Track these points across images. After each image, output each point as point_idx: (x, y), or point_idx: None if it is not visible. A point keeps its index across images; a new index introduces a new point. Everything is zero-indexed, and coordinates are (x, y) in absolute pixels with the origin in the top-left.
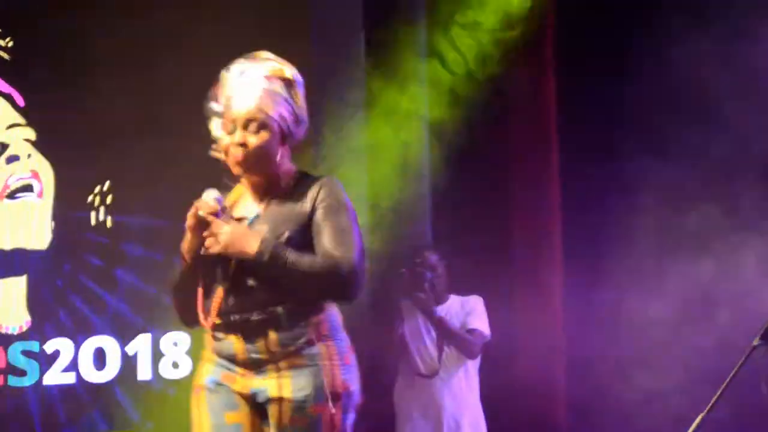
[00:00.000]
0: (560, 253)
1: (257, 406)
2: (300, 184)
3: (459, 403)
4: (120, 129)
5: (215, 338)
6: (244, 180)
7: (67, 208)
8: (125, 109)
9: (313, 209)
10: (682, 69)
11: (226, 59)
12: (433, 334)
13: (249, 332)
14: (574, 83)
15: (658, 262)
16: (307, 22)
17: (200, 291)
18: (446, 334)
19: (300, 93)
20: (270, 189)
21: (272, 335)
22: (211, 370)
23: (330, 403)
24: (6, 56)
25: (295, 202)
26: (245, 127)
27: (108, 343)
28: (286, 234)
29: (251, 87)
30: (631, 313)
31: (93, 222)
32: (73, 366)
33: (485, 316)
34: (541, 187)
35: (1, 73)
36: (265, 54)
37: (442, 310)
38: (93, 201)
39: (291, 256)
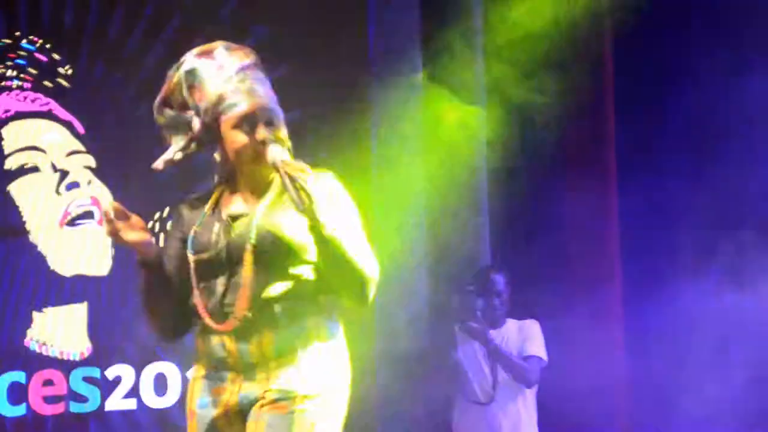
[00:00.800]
0: (619, 271)
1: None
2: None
3: (516, 430)
4: None
5: (208, 341)
6: (238, 177)
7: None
8: None
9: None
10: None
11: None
12: (489, 363)
13: (243, 331)
14: (631, 96)
15: (720, 281)
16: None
17: (196, 291)
18: (502, 363)
19: (261, 74)
20: (263, 182)
21: (267, 336)
22: (200, 389)
23: (306, 402)
24: (66, 84)
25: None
26: (267, 122)
27: (169, 368)
28: (292, 232)
29: (248, 79)
30: (695, 334)
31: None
32: (134, 392)
33: (542, 340)
34: (598, 203)
35: (62, 100)
36: (218, 43)
37: (498, 334)
38: (153, 227)
39: (344, 240)
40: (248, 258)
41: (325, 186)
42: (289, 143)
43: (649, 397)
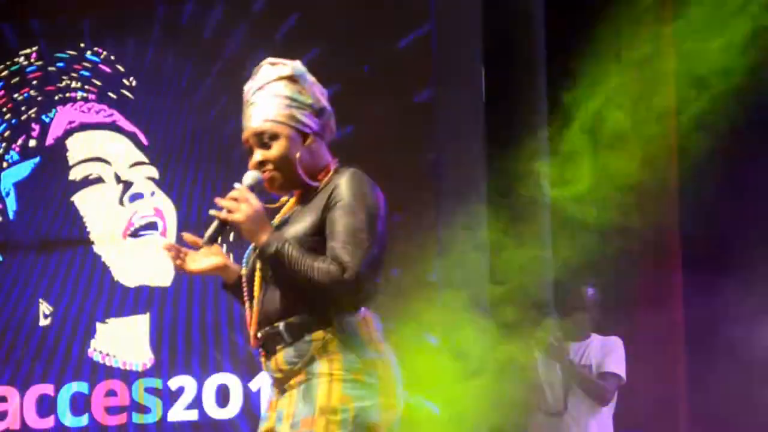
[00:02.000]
0: (681, 289)
1: None
2: (331, 180)
3: None
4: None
5: None
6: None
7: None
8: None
9: (327, 207)
10: None
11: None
12: (562, 371)
13: (266, 350)
14: None
15: None
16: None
17: (247, 310)
18: (575, 379)
19: (306, 84)
20: (307, 191)
21: (279, 353)
22: (267, 402)
23: (321, 417)
24: (130, 95)
25: (319, 199)
26: (259, 144)
27: (230, 379)
28: (301, 233)
29: (252, 103)
30: (761, 352)
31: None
32: (196, 403)
33: (623, 359)
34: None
35: (125, 112)
36: (265, 62)
37: (580, 347)
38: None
39: (294, 254)
40: (258, 276)
41: (332, 185)
42: (288, 152)
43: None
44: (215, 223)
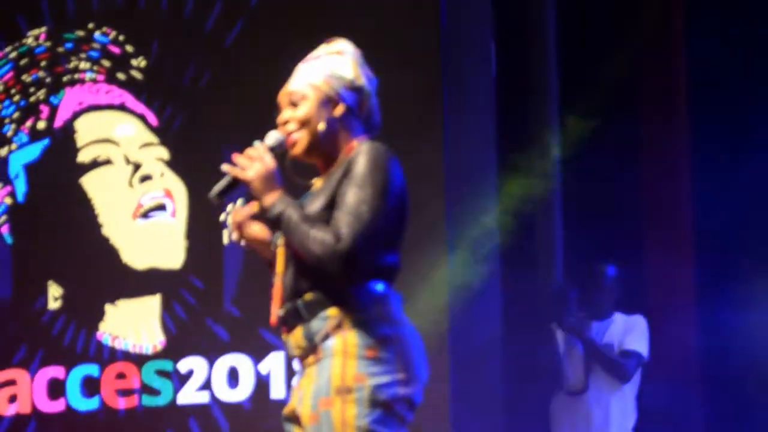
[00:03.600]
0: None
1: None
2: (352, 154)
3: (608, 423)
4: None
5: None
6: (318, 167)
7: (201, 227)
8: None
9: (342, 179)
10: None
11: None
12: (582, 350)
13: (287, 326)
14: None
15: None
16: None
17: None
18: (595, 356)
19: (350, 60)
20: (330, 167)
21: (298, 329)
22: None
23: (337, 397)
24: (139, 76)
25: (338, 173)
26: (289, 104)
27: (241, 361)
28: (319, 207)
29: (298, 72)
30: None
31: (225, 241)
32: (206, 385)
33: (645, 337)
34: (673, 199)
35: (135, 93)
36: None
37: (602, 327)
38: (226, 220)
39: (294, 218)
40: (281, 252)
41: (351, 158)
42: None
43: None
44: (226, 179)
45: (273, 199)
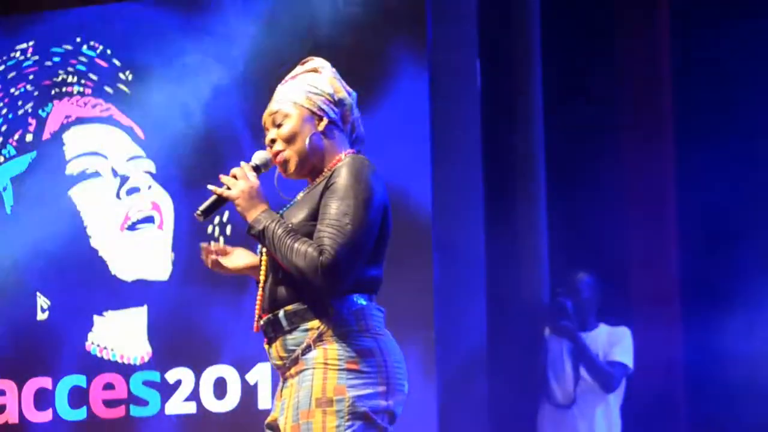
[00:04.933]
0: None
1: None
2: (335, 167)
3: None
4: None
5: None
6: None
7: (187, 239)
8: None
9: (324, 191)
10: None
11: None
12: (571, 362)
13: (268, 336)
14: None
15: None
16: None
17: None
18: (585, 364)
19: (327, 75)
20: (314, 179)
21: (279, 340)
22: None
23: (318, 409)
24: (126, 90)
25: (320, 185)
26: (273, 124)
27: (228, 372)
28: (300, 219)
29: (275, 93)
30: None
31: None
32: (194, 395)
33: (631, 348)
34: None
35: (122, 106)
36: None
37: (587, 337)
38: (213, 232)
39: (279, 233)
40: (263, 262)
41: (334, 170)
42: (292, 139)
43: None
44: (212, 198)
45: (257, 214)
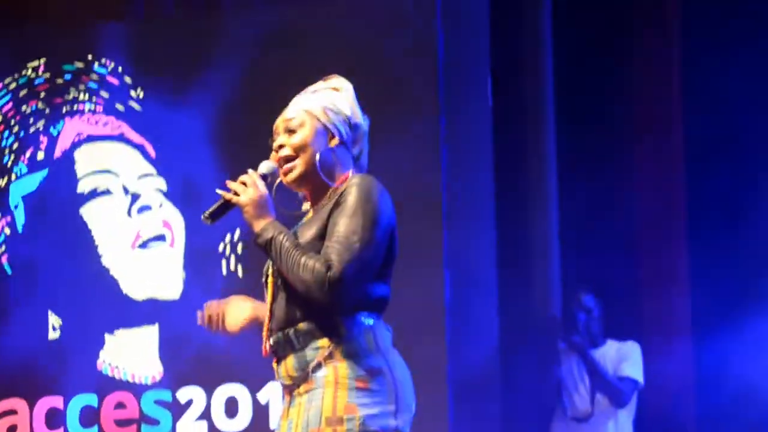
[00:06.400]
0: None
1: None
2: (344, 186)
3: None
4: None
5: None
6: (306, 196)
7: (199, 258)
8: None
9: (333, 209)
10: None
11: None
12: (587, 377)
13: (277, 356)
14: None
15: None
16: None
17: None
18: (597, 380)
19: (348, 98)
20: (321, 197)
21: (289, 358)
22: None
23: (328, 427)
24: (137, 107)
25: (329, 204)
26: (285, 130)
27: (239, 391)
28: (310, 237)
29: (293, 100)
30: None
31: (224, 272)
32: (205, 415)
33: (640, 363)
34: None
35: (133, 124)
36: None
37: (596, 354)
38: (224, 251)
39: (286, 245)
40: (270, 282)
41: (343, 189)
42: (301, 149)
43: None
44: (219, 202)
45: (264, 224)
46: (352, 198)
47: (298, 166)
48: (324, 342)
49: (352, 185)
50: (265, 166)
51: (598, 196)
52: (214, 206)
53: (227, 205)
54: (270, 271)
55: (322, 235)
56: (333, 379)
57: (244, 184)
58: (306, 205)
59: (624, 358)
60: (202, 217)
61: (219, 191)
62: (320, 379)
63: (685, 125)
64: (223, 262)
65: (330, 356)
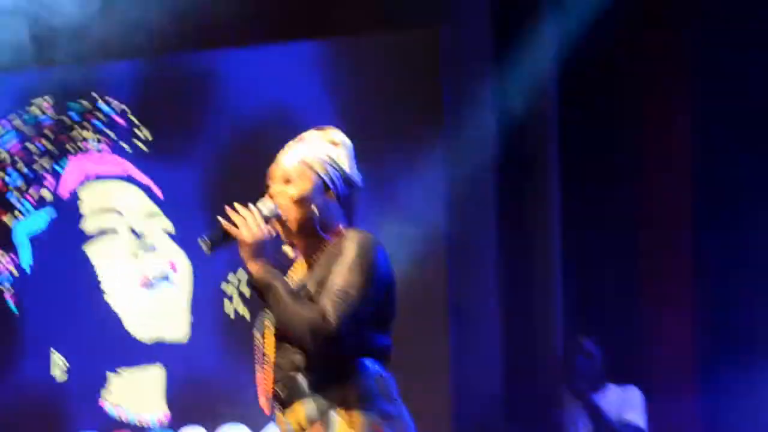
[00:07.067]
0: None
1: None
2: (341, 240)
3: None
4: None
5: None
6: (298, 251)
7: (205, 298)
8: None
9: (328, 266)
10: None
11: None
12: (590, 422)
13: (282, 403)
14: None
15: None
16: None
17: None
18: (600, 426)
19: (347, 153)
20: (316, 251)
21: (298, 405)
22: None
23: None
24: (144, 148)
25: (327, 259)
26: (283, 180)
27: (241, 431)
28: (304, 292)
29: (291, 147)
30: None
31: (232, 315)
32: None
33: (641, 409)
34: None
35: (139, 164)
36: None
37: (597, 398)
38: (231, 295)
39: (283, 294)
40: (269, 334)
41: (341, 244)
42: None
43: None
44: (219, 230)
45: (260, 267)
46: (349, 253)
47: (295, 219)
48: (336, 389)
49: (348, 239)
50: (266, 207)
51: (601, 239)
52: (214, 234)
53: (227, 237)
54: (269, 324)
55: (317, 289)
56: (347, 427)
57: (246, 219)
58: (291, 252)
59: (627, 403)
60: (200, 240)
61: (221, 220)
62: (335, 427)
63: (694, 147)
64: (225, 301)
65: (344, 402)
